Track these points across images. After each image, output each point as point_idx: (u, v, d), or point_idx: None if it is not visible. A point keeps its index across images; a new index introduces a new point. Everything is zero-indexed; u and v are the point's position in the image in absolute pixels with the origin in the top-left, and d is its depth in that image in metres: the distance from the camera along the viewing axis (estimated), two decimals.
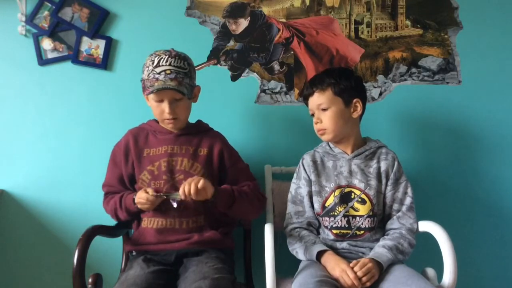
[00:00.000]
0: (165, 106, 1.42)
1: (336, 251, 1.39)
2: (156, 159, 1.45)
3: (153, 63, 1.40)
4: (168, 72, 1.38)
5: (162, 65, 1.39)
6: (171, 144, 1.47)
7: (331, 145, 1.53)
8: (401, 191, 1.46)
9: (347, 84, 1.46)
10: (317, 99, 1.47)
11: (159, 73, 1.38)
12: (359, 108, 1.48)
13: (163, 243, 1.39)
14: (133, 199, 1.37)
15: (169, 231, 1.40)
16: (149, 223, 1.42)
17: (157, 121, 1.53)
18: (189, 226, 1.40)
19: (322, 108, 1.46)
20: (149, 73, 1.40)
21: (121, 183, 1.49)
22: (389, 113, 1.81)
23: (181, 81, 1.40)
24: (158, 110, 1.44)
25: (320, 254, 1.35)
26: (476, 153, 1.82)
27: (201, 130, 1.54)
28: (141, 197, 1.33)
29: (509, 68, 1.83)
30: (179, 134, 1.49)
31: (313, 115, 1.51)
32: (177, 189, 1.34)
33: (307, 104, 1.53)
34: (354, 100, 1.47)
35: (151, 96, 1.43)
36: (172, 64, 1.40)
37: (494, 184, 1.81)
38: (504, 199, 1.81)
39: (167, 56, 1.40)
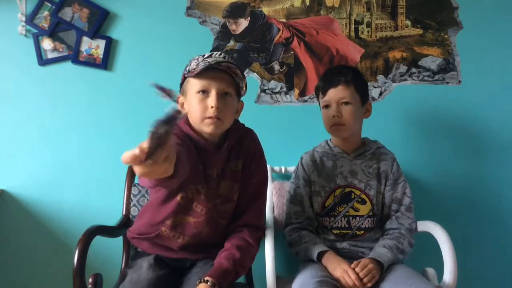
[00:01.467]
0: (212, 98, 1.18)
1: (336, 251, 1.39)
2: (204, 179, 1.26)
3: (203, 56, 1.22)
4: (221, 57, 1.21)
5: (215, 56, 1.22)
6: (213, 167, 1.27)
7: (330, 144, 1.53)
8: (400, 191, 1.46)
9: (365, 84, 1.51)
10: (341, 92, 1.44)
11: (209, 59, 1.19)
12: (370, 111, 1.52)
13: (181, 253, 1.31)
14: None
15: (190, 244, 1.29)
16: (170, 234, 1.28)
17: (190, 127, 1.26)
18: (209, 238, 1.30)
19: (345, 102, 1.43)
20: (198, 63, 1.19)
21: None
22: (389, 113, 1.81)
23: (234, 71, 1.22)
24: (200, 107, 1.19)
25: (320, 254, 1.34)
26: (476, 153, 1.82)
27: (237, 137, 1.32)
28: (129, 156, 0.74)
29: (509, 68, 1.83)
30: (218, 150, 1.27)
31: (326, 106, 1.47)
32: (217, 217, 1.25)
33: (324, 94, 1.46)
34: (368, 102, 1.50)
35: (194, 85, 1.20)
36: (226, 58, 1.23)
37: (494, 184, 1.81)
38: (504, 198, 1.81)
39: (218, 54, 1.24)
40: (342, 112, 1.43)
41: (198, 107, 1.20)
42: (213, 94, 1.19)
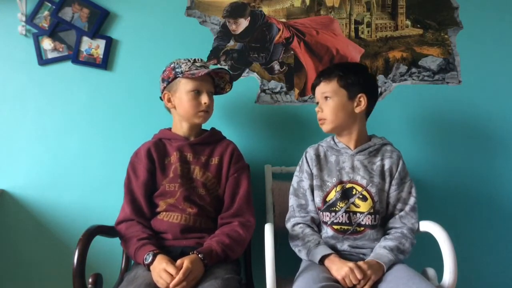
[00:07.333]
0: (204, 97, 1.46)
1: (338, 253, 1.38)
2: (173, 164, 1.48)
3: (190, 60, 1.48)
4: (203, 63, 1.51)
5: (200, 62, 1.50)
6: (185, 152, 1.49)
7: (335, 139, 1.53)
8: (406, 190, 1.46)
9: (355, 79, 1.47)
10: (322, 87, 1.49)
11: (199, 66, 1.47)
12: (363, 104, 1.46)
13: (176, 239, 1.40)
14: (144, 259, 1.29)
15: (183, 227, 1.41)
16: (166, 216, 1.43)
17: (169, 129, 1.56)
18: (201, 226, 1.44)
19: (325, 96, 1.47)
20: (190, 66, 1.46)
21: (146, 198, 1.46)
22: (389, 113, 1.81)
23: (224, 75, 1.53)
24: (193, 103, 1.46)
25: (323, 257, 1.34)
26: (476, 153, 1.82)
27: (214, 139, 1.55)
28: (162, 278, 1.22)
29: (509, 68, 1.83)
30: (193, 143, 1.51)
31: (317, 103, 1.52)
32: (191, 194, 1.44)
33: (313, 93, 1.56)
34: (359, 95, 1.46)
35: (187, 85, 1.45)
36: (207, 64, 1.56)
37: (494, 184, 1.81)
38: (504, 198, 1.81)
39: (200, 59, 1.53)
40: (323, 107, 1.48)
41: (191, 103, 1.46)
42: (204, 94, 1.47)
